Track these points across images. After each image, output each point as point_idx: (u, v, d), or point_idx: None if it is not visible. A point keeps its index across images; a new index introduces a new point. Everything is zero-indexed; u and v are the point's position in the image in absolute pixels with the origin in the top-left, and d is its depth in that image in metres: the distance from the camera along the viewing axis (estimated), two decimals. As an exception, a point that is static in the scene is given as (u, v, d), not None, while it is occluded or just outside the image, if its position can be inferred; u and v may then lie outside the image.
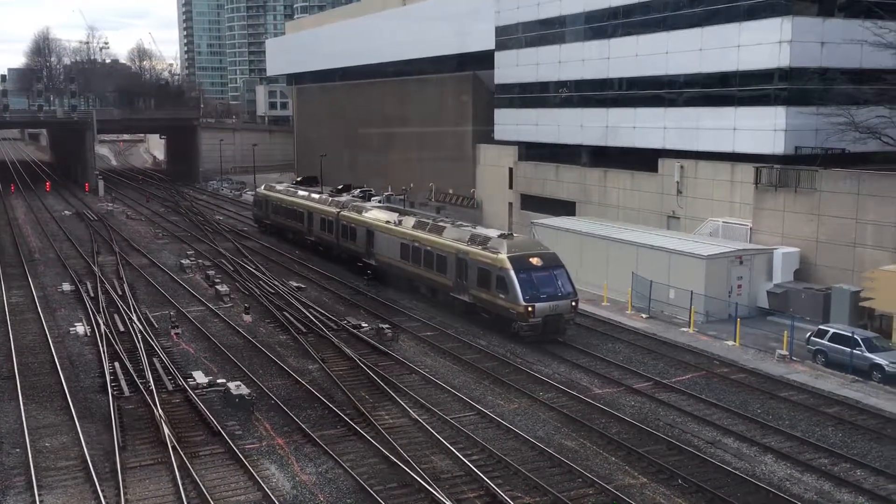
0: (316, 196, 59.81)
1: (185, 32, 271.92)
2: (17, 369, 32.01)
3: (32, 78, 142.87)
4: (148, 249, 60.17)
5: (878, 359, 30.96)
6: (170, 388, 29.79)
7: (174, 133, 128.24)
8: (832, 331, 32.77)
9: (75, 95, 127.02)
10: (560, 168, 60.58)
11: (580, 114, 57.75)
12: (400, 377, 31.38)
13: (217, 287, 45.69)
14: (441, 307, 41.00)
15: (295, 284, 47.19)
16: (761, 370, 32.02)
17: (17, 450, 24.83)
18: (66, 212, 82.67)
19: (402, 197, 74.80)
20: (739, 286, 39.71)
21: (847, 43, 41.74)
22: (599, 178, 56.48)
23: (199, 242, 63.34)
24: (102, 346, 34.29)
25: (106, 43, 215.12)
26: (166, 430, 25.17)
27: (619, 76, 54.04)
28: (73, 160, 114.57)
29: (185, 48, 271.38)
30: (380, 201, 78.99)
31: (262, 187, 70.84)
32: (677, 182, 49.45)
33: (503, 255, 36.00)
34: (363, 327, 38.22)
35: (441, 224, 42.54)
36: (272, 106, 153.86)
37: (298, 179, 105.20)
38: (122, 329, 37.41)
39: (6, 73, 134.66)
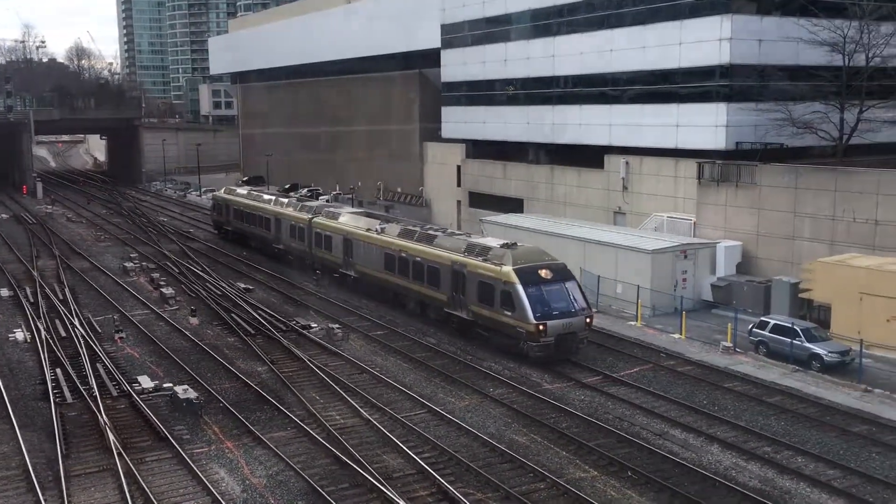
0: (284, 201, 55.73)
1: (125, 31, 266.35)
2: (-46, 378, 31.01)
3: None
4: (90, 252, 58.83)
5: (816, 348, 31.82)
6: (114, 393, 29.16)
7: (115, 133, 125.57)
8: (773, 322, 33.57)
9: (11, 95, 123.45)
10: (507, 166, 60.93)
11: (527, 111, 58.17)
12: (350, 377, 31.24)
13: (162, 290, 44.89)
14: (433, 325, 37.60)
15: (242, 286, 46.60)
16: (707, 362, 32.65)
17: (-45, 461, 24.07)
18: (3, 215, 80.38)
19: (350, 196, 74.44)
20: (684, 280, 40.45)
21: (784, 40, 42.84)
22: (547, 175, 56.95)
23: (143, 245, 62.14)
24: (43, 353, 33.41)
25: (42, 41, 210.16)
26: (111, 437, 24.65)
27: (564, 74, 54.57)
28: (10, 162, 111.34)
29: (126, 47, 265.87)
30: (327, 200, 78.54)
31: (223, 190, 66.84)
32: (623, 178, 50.15)
33: (508, 268, 32.59)
34: (313, 328, 37.94)
35: (431, 232, 39.26)
36: (216, 105, 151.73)
37: (244, 179, 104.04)
38: (63, 334, 36.49)
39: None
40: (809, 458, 23.85)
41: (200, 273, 49.86)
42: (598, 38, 51.10)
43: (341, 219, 46.53)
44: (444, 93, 67.37)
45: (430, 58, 69.13)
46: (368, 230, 42.96)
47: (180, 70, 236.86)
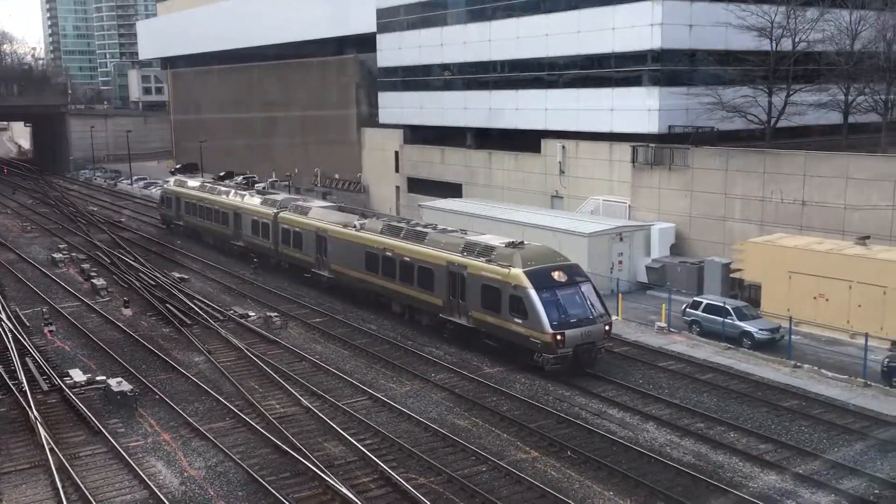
0: (244, 193, 51.70)
1: (48, 14, 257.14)
2: None
3: None
4: (16, 244, 56.90)
5: (747, 327, 32.72)
6: (45, 388, 28.33)
7: (41, 120, 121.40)
8: (705, 302, 34.38)
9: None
10: (446, 151, 60.92)
11: (464, 96, 58.19)
12: (290, 365, 30.95)
13: (93, 281, 43.70)
14: (425, 331, 34.49)
15: (177, 275, 45.67)
16: (642, 342, 33.29)
17: None
18: (-78, 206, 77.18)
19: (286, 183, 73.51)
20: (620, 262, 41.12)
21: (714, 25, 43.72)
22: (484, 159, 57.14)
23: (72, 235, 60.35)
24: (-32, 348, 32.25)
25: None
26: (42, 432, 23.95)
27: (500, 58, 54.71)
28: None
29: (50, 31, 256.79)
30: (264, 188, 77.46)
31: (172, 182, 62.15)
32: (559, 162, 50.62)
33: (518, 270, 29.35)
34: (250, 316, 37.43)
35: (420, 229, 35.69)
36: (146, 91, 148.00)
37: (178, 167, 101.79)
38: (-11, 329, 35.26)
39: None
40: (741, 433, 24.54)
41: (133, 263, 48.69)
42: (534, 23, 51.35)
43: (312, 213, 42.98)
44: (381, 78, 66.91)
45: (366, 42, 68.52)
46: (346, 226, 39.56)
47: (108, 55, 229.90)
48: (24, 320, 36.87)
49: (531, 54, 52.01)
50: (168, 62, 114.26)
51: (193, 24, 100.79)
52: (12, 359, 30.88)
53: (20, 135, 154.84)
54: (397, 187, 66.34)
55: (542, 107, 51.71)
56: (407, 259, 34.65)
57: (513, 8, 53.02)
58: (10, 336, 33.52)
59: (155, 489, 21.09)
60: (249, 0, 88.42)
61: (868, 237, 33.68)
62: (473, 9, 56.36)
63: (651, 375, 29.72)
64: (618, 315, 36.77)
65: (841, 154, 37.82)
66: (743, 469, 22.15)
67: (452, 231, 35.46)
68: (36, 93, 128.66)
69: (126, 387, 27.08)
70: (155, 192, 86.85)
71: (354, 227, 39.09)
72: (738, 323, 32.88)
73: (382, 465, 22.16)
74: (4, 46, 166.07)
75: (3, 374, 29.44)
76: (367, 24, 66.96)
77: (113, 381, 27.51)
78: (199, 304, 39.17)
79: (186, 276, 45.81)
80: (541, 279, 29.21)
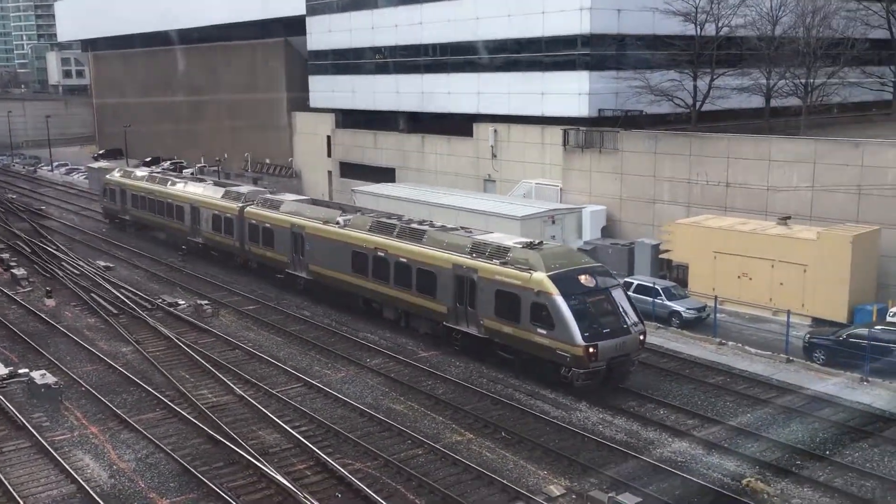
0: (202, 185, 47.43)
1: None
2: None
3: None
4: (-71, 234, 54.51)
5: (676, 306, 33.54)
6: (-37, 383, 27.28)
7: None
8: (636, 282, 35.07)
9: None
10: (378, 135, 60.56)
11: (396, 80, 57.86)
12: (222, 353, 30.45)
13: (13, 271, 42.12)
14: (426, 340, 31.43)
15: (103, 264, 44.41)
16: (575, 323, 33.70)
17: None
18: None
19: (216, 168, 72.11)
20: (552, 244, 41.51)
21: (641, 10, 44.36)
22: (417, 143, 57.01)
23: (-10, 224, 58.10)
24: None
25: None
26: (-39, 429, 23.08)
27: (432, 42, 54.53)
28: None
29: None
30: (192, 173, 75.83)
31: (117, 173, 56.63)
32: (492, 146, 50.83)
33: (541, 275, 26.07)
34: (180, 305, 36.65)
35: (417, 227, 32.35)
36: (66, 74, 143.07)
37: (101, 152, 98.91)
38: None
39: None
40: (670, 410, 25.16)
41: (56, 252, 47.14)
42: (464, 6, 51.29)
43: (285, 207, 39.03)
44: (311, 61, 66.03)
45: (295, 25, 67.47)
46: (327, 222, 35.76)
47: (24, 37, 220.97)
48: (-60, 313, 35.42)
49: (462, 38, 51.96)
50: (89, 44, 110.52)
51: (116, 5, 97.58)
52: (-73, 353, 29.64)
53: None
54: (329, 172, 65.71)
55: (475, 91, 51.79)
56: (403, 260, 31.11)
57: (444, -9, 52.84)
58: (-76, 330, 32.16)
59: (83, 483, 20.55)
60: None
61: (789, 217, 34.79)
62: (404, -8, 56.01)
63: (583, 355, 30.12)
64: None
65: (763, 137, 38.92)
66: (672, 444, 22.72)
67: (453, 229, 31.89)
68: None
69: (50, 379, 26.26)
70: (77, 178, 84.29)
71: (337, 223, 35.21)
72: (667, 303, 33.64)
73: (318, 451, 22.03)
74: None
75: (-82, 369, 28.22)
76: (297, 7, 65.91)
77: (36, 374, 26.63)
78: (126, 293, 38.19)
79: (112, 265, 44.58)
80: (568, 284, 25.89)
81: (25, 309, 36.34)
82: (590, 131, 44.59)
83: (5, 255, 46.18)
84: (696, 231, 36.06)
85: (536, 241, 28.82)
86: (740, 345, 30.57)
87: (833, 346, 28.43)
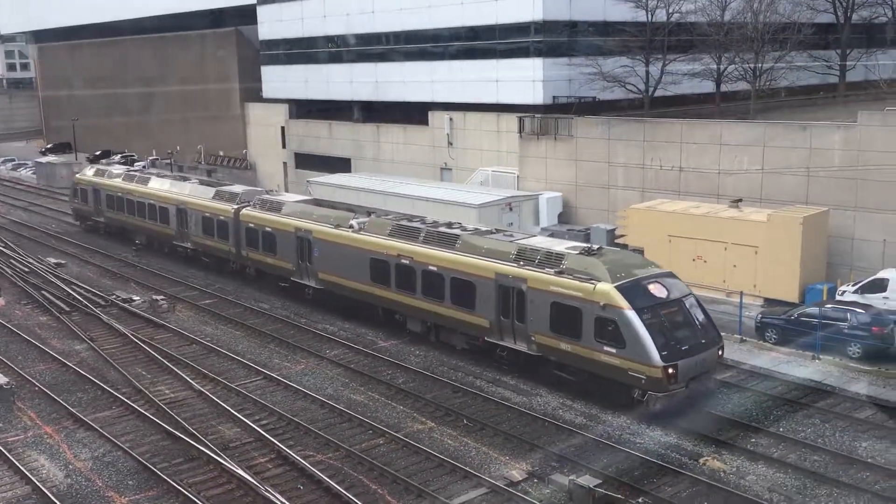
0: (190, 185, 43.55)
1: None
2: None
3: None
4: None
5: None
6: (-90, 386, 26.54)
7: None
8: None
9: None
10: (333, 125, 60.13)
11: (349, 69, 57.44)
12: (179, 349, 30.11)
13: (-40, 270, 41.15)
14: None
15: (53, 261, 43.52)
16: (533, 309, 33.94)
17: None
18: None
19: (168, 161, 70.97)
20: (510, 231, 41.70)
21: (593, -3, 44.67)
22: (373, 133, 56.73)
23: (-66, 222, 56.54)
24: None
25: None
26: None
27: (385, 30, 54.21)
28: None
29: None
30: (144, 166, 74.50)
31: (89, 171, 52.50)
32: (447, 134, 50.80)
33: (607, 286, 23.39)
34: (135, 301, 36.11)
35: (447, 231, 29.17)
36: (10, 67, 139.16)
37: (49, 146, 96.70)
38: None
39: None
40: (629, 392, 25.47)
41: (3, 249, 46.06)
42: (417, -6, 51.07)
43: (289, 209, 36.09)
44: (263, 51, 65.22)
45: (246, 14, 66.52)
46: (338, 226, 32.78)
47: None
48: None
49: (416, 26, 51.74)
50: (34, 36, 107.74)
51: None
52: None
53: None
54: (284, 163, 65.09)
55: (429, 79, 51.66)
56: (433, 269, 28.28)
57: (396, -21, 52.54)
58: None
59: (38, 484, 20.21)
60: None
61: (740, 200, 35.38)
62: (356, -20, 55.56)
63: (542, 341, 30.35)
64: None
65: (714, 121, 39.47)
66: (630, 426, 23.05)
67: (490, 232, 28.98)
68: None
69: (2, 380, 25.75)
70: (25, 173, 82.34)
71: (352, 227, 32.28)
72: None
73: (279, 444, 21.94)
74: None
75: None
76: (247, -5, 65.01)
77: (-13, 375, 26.09)
78: (79, 289, 37.49)
79: (63, 261, 43.73)
80: (639, 296, 23.28)
81: (-26, 309, 35.51)
82: (545, 118, 44.80)
83: (-49, 254, 45.06)
84: (651, 215, 36.49)
85: (595, 247, 25.92)
86: (695, 326, 31.00)
87: (784, 326, 29.05)
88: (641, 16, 43.21)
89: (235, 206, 38.60)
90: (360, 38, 56.06)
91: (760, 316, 30.21)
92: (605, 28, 45.23)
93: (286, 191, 58.39)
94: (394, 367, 28.03)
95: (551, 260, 25.28)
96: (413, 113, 53.14)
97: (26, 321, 33.94)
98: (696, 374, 23.16)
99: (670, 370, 22.34)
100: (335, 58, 58.74)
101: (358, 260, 31.30)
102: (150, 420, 23.82)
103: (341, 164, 58.09)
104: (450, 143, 50.94)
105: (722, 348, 24.59)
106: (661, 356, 22.39)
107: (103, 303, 35.74)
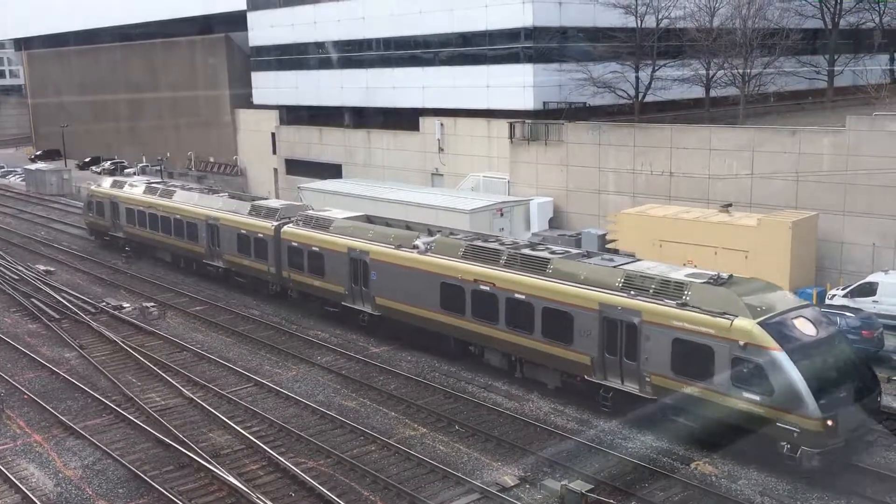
0: (220, 200, 40.40)
1: None
2: None
3: None
4: None
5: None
6: None
7: None
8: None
9: None
10: (323, 131, 60.12)
11: (340, 75, 57.47)
12: (170, 356, 29.98)
13: (-52, 278, 40.91)
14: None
15: (43, 268, 43.32)
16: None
17: None
18: None
19: (158, 167, 70.82)
20: (501, 237, 41.74)
21: (583, 3, 44.80)
22: (363, 139, 56.72)
23: (-77, 229, 56.20)
24: None
25: None
26: None
27: (375, 36, 54.28)
28: None
29: None
30: (134, 172, 74.31)
31: (105, 182, 49.54)
32: (438, 140, 50.85)
33: (748, 322, 20.23)
34: (125, 308, 35.96)
35: (534, 253, 26.08)
36: None
37: (38, 153, 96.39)
38: None
39: None
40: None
41: (-7, 257, 45.84)
42: (407, 0, 51.14)
43: (338, 227, 32.89)
44: (254, 57, 65.22)
45: (236, 21, 66.50)
46: (400, 247, 29.72)
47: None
48: None
49: (406, 32, 51.83)
50: (23, 43, 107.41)
51: (51, 2, 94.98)
52: None
53: None
54: (275, 169, 65.02)
55: (420, 85, 51.72)
56: (520, 297, 25.27)
57: (386, -15, 52.63)
58: None
59: (27, 492, 20.08)
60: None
61: (730, 205, 35.52)
62: (346, -14, 55.62)
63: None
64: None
65: (704, 126, 39.64)
66: (622, 431, 23.07)
67: (581, 255, 26.36)
68: None
69: (-10, 388, 25.58)
70: (14, 180, 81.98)
71: (417, 248, 29.25)
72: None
73: (270, 451, 21.86)
74: None
75: None
76: (237, 2, 64.95)
77: (-25, 383, 25.92)
78: (68, 297, 37.32)
79: (52, 269, 43.53)
80: (786, 334, 20.17)
81: (-38, 316, 35.31)
82: (535, 124, 44.89)
83: (-61, 262, 44.79)
84: (641, 220, 36.57)
85: (723, 275, 22.46)
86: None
87: (775, 330, 29.09)
88: (631, 22, 43.40)
89: (276, 223, 35.33)
90: (351, 44, 56.10)
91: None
92: (595, 34, 45.37)
93: (277, 197, 58.33)
94: (385, 372, 27.98)
95: (670, 290, 22.17)
96: (404, 119, 53.18)
97: (15, 329, 33.75)
98: (856, 426, 19.95)
99: (829, 422, 19.06)
100: (326, 64, 58.77)
101: (425, 285, 28.17)
102: (141, 428, 23.70)
103: (332, 170, 58.07)
104: (441, 149, 50.99)
105: (881, 393, 21.35)
106: (819, 406, 19.10)
107: (93, 310, 35.58)
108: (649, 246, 35.55)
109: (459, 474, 20.60)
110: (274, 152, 64.83)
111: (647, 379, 22.26)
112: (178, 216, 41.21)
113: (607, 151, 41.72)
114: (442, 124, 50.62)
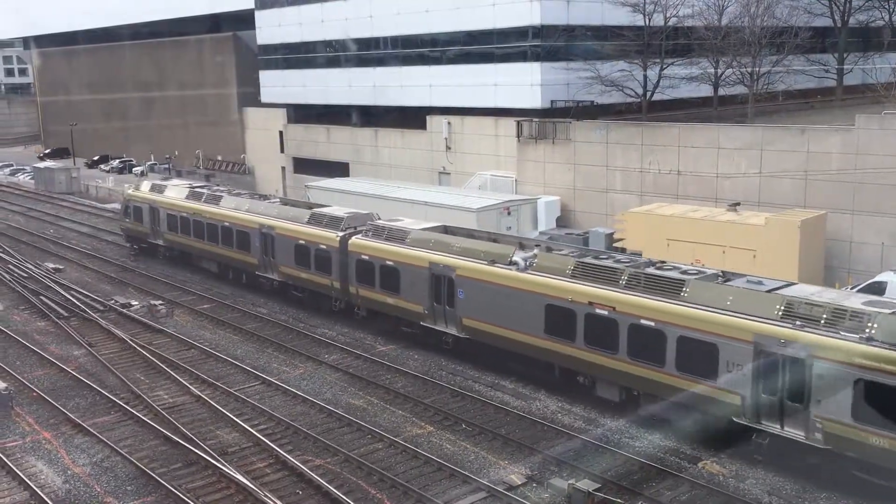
0: (274, 207, 37.53)
1: None
2: None
3: None
4: None
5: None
6: None
7: None
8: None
9: None
10: (331, 129, 60.21)
11: (347, 74, 57.54)
12: (177, 354, 30.07)
13: (-42, 275, 41.12)
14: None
15: (52, 266, 43.49)
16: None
17: None
18: None
19: (166, 166, 71.03)
20: (508, 236, 41.71)
21: (590, 1, 44.75)
22: (370, 137, 56.77)
23: (-68, 227, 56.50)
24: None
25: None
26: None
27: (383, 35, 54.34)
28: None
29: None
30: (142, 171, 74.59)
31: (145, 187, 46.10)
32: (446, 138, 50.85)
33: None
34: (133, 305, 36.07)
35: (668, 275, 22.85)
36: (8, 73, 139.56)
37: (47, 151, 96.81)
38: None
39: None
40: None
41: (1, 255, 46.02)
42: (415, -1, 51.21)
43: (416, 239, 29.84)
44: (261, 56, 65.35)
45: (244, 20, 66.67)
46: (494, 262, 26.52)
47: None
48: None
49: (414, 31, 51.86)
50: (32, 41, 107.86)
51: (60, 1, 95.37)
52: None
53: None
54: (283, 168, 65.15)
55: (427, 83, 51.73)
56: (648, 323, 22.19)
57: (394, -16, 52.66)
58: None
59: (36, 489, 20.16)
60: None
61: (738, 204, 35.40)
62: (354, -16, 55.68)
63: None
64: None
65: (712, 125, 39.54)
66: (629, 430, 23.04)
67: (717, 276, 23.04)
68: None
69: (0, 385, 25.69)
70: (23, 178, 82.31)
71: (514, 264, 26.12)
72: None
73: (278, 449, 21.90)
74: None
75: None
76: (245, 1, 65.11)
77: (-15, 381, 26.06)
78: (77, 294, 37.45)
79: (61, 266, 43.69)
80: None
81: (-28, 314, 35.48)
82: (543, 122, 44.85)
83: (-51, 260, 45.02)
84: (649, 219, 36.50)
85: (889, 301, 20.08)
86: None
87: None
88: (639, 20, 43.33)
89: (341, 234, 32.40)
90: (359, 42, 56.15)
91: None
92: (602, 32, 45.33)
93: (284, 194, 58.40)
94: (392, 371, 28.01)
95: (846, 320, 19.06)
96: (411, 117, 53.21)
97: (25, 326, 33.89)
98: None
99: None
100: (333, 62, 58.85)
101: (526, 306, 25.18)
102: (149, 425, 23.77)
103: (339, 169, 58.14)
104: (448, 148, 50.98)
105: None
106: None
107: (102, 308, 35.70)
108: (657, 245, 35.47)
109: (466, 473, 20.61)
110: (282, 151, 64.96)
111: (819, 425, 19.07)
112: (226, 223, 38.28)
113: (615, 150, 41.66)
114: (449, 123, 50.61)
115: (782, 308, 20.14)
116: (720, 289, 21.86)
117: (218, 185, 48.64)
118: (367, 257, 30.98)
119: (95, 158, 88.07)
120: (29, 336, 32.49)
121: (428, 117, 52.07)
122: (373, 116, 57.49)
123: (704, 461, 21.13)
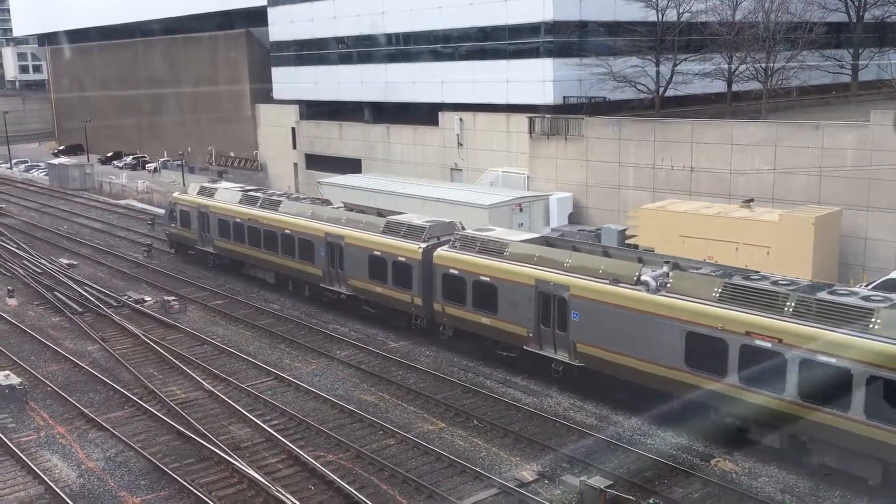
0: (342, 213, 34.34)
1: None
2: None
3: None
4: None
5: (643, 290, 33.75)
6: (-76, 386, 26.72)
7: None
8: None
9: None
10: (343, 126, 60.28)
11: (360, 70, 57.57)
12: (190, 349, 30.20)
13: (-27, 271, 41.42)
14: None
15: (66, 262, 43.74)
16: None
17: None
18: None
19: (179, 162, 71.33)
20: (520, 232, 41.63)
21: (603, -3, 44.67)
22: (383, 134, 56.80)
23: (-52, 223, 56.90)
24: None
25: None
26: (-76, 433, 22.65)
27: (395, 31, 54.33)
28: None
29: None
30: (155, 168, 74.89)
31: (192, 189, 43.53)
32: (458, 135, 50.82)
33: None
34: (146, 301, 36.24)
35: (849, 302, 19.43)
36: (23, 69, 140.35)
37: (61, 148, 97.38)
38: None
39: None
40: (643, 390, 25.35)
41: (16, 250, 46.34)
42: (427, -5, 51.17)
43: (516, 251, 26.79)
44: (274, 53, 65.47)
45: (256, 16, 66.83)
46: (618, 281, 23.43)
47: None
48: None
49: (426, 27, 51.83)
50: (46, 38, 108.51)
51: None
52: None
53: None
54: (295, 164, 65.29)
55: (439, 80, 51.70)
56: (825, 360, 18.81)
57: (406, -20, 52.63)
58: None
59: (51, 484, 20.29)
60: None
61: (752, 200, 35.24)
62: (366, -19, 55.68)
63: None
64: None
65: (725, 121, 39.35)
66: (641, 427, 22.97)
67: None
68: None
69: (14, 380, 25.85)
70: (37, 175, 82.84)
71: (644, 284, 22.91)
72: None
73: (290, 444, 21.97)
74: None
75: None
76: (257, -2, 65.33)
77: (0, 375, 26.22)
78: (91, 290, 37.66)
79: (75, 262, 43.94)
80: None
81: (-13, 309, 35.74)
82: (555, 118, 44.75)
83: (-35, 255, 45.35)
84: (662, 216, 36.36)
85: None
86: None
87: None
88: (652, 16, 43.14)
89: (424, 245, 29.47)
90: (371, 39, 56.17)
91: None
92: (615, 28, 45.17)
93: (297, 191, 58.48)
94: (404, 367, 28.02)
95: None
96: (423, 114, 53.21)
97: (39, 322, 34.12)
98: None
99: None
100: (345, 59, 58.89)
101: (660, 334, 22.06)
102: (162, 420, 23.89)
103: (352, 165, 58.22)
104: (460, 144, 50.94)
105: None
106: None
107: (115, 304, 35.88)
108: (670, 241, 35.35)
109: (478, 469, 20.61)
110: (294, 147, 65.10)
111: None
112: (286, 231, 35.33)
113: (627, 146, 41.52)
114: (461, 119, 50.56)
115: None
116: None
117: (271, 190, 46.20)
118: (456, 272, 27.99)
119: (109, 155, 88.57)
120: (43, 331, 32.70)
121: (440, 114, 52.05)
122: (385, 113, 57.52)
123: (717, 458, 21.03)
